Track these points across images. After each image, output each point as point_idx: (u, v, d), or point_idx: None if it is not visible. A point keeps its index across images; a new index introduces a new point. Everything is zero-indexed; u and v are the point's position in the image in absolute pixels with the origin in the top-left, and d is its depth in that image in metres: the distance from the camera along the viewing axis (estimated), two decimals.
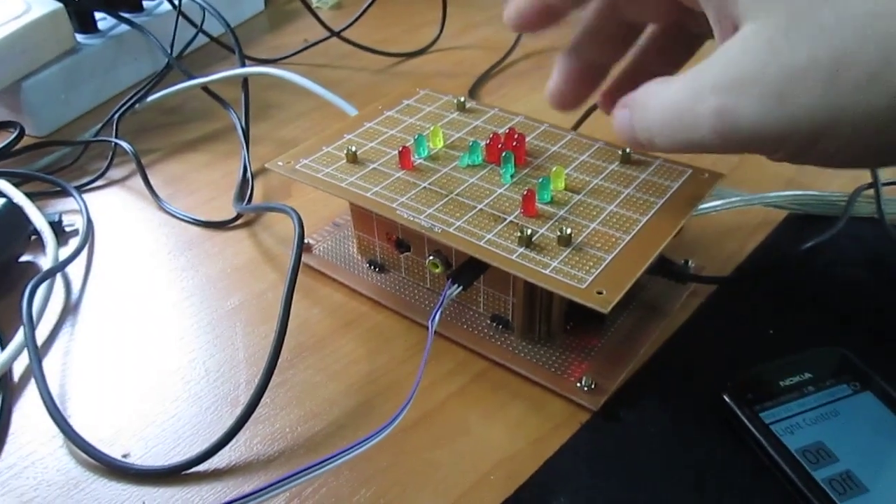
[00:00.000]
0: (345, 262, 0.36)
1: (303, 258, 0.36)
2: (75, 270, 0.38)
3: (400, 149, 0.33)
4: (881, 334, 0.31)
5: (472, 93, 0.52)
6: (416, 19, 0.65)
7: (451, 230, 0.29)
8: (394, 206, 0.31)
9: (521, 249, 0.28)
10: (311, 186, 0.33)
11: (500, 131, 0.35)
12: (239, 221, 0.40)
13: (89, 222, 0.40)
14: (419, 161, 0.34)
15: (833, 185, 0.41)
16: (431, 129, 0.34)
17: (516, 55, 0.57)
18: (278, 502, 0.26)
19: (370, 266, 0.35)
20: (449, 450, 0.28)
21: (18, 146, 0.45)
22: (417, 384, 0.26)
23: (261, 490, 0.22)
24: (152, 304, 0.35)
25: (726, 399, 0.27)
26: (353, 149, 0.34)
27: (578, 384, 0.29)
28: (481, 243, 0.28)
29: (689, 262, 0.34)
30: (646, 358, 0.31)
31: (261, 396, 0.28)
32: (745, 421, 0.26)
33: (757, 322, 0.32)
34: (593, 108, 0.42)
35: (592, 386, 0.29)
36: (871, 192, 0.37)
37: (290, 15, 0.68)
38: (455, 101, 0.38)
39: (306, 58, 0.59)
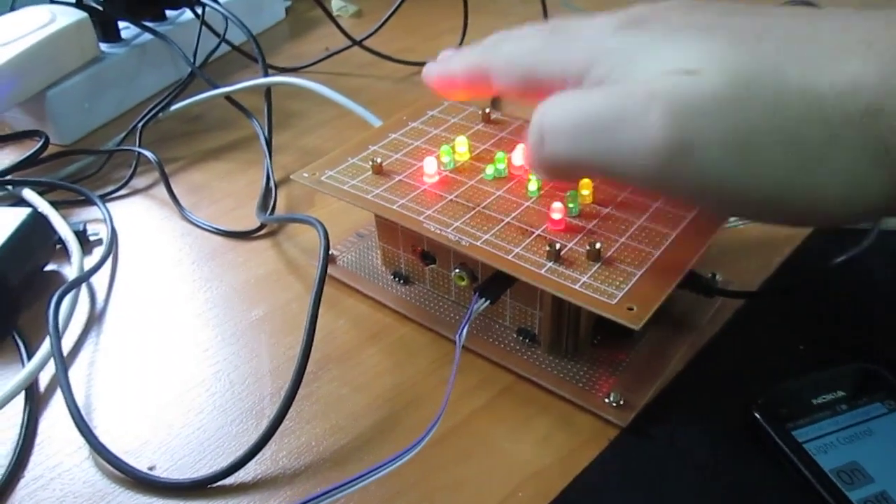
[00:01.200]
0: (369, 273, 0.36)
1: (328, 269, 0.36)
2: (100, 280, 0.38)
3: (425, 160, 0.33)
4: None
5: (495, 101, 0.52)
6: (437, 28, 0.65)
7: (478, 244, 0.29)
8: (420, 218, 0.30)
9: (550, 264, 0.28)
10: (337, 198, 0.33)
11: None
12: (262, 231, 0.40)
13: (113, 232, 0.40)
14: (445, 173, 0.33)
15: None
16: (456, 140, 0.34)
17: None
18: None
19: (395, 278, 0.35)
20: (476, 465, 0.27)
21: (43, 155, 0.45)
22: (447, 400, 0.26)
23: None
24: (177, 315, 0.35)
25: (757, 416, 0.27)
26: (379, 160, 0.34)
27: (606, 399, 0.28)
28: (509, 257, 0.28)
29: (717, 276, 0.34)
30: (674, 373, 0.30)
31: (287, 409, 0.28)
32: (778, 439, 0.26)
33: (787, 337, 0.32)
34: None
35: (621, 402, 0.28)
36: None
37: (311, 23, 0.68)
38: (480, 112, 0.38)
39: (327, 66, 0.59)
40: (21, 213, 0.37)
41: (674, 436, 0.28)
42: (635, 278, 0.27)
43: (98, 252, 0.39)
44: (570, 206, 0.30)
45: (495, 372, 0.31)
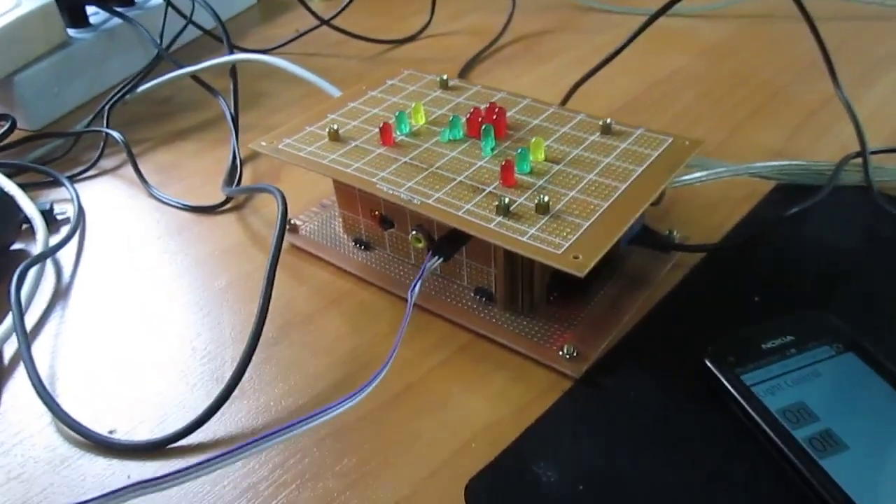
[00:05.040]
0: (331, 241, 0.36)
1: (289, 238, 0.37)
2: (66, 257, 0.38)
3: (381, 125, 0.33)
4: (868, 299, 0.31)
5: (461, 76, 0.52)
6: (407, 7, 0.65)
7: (429, 202, 0.29)
8: (374, 180, 0.31)
9: (500, 218, 0.28)
10: (294, 164, 0.33)
11: (482, 107, 0.35)
12: (228, 206, 0.40)
13: (80, 210, 0.41)
14: (401, 137, 0.34)
15: (822, 154, 0.40)
16: (413, 105, 0.35)
17: (505, 39, 0.57)
18: (262, 472, 0.26)
19: (356, 244, 0.35)
20: (431, 420, 0.28)
21: (11, 139, 0.45)
22: (394, 352, 0.26)
23: (226, 454, 0.23)
24: (141, 287, 0.36)
25: (707, 362, 0.27)
26: (336, 127, 0.34)
27: (560, 353, 0.29)
28: (460, 213, 0.28)
29: (674, 232, 0.34)
30: (629, 327, 0.31)
31: (243, 371, 0.28)
32: (726, 383, 0.26)
33: (742, 290, 0.32)
34: (579, 84, 0.42)
35: (574, 354, 0.29)
36: (859, 160, 0.37)
37: (283, 6, 0.68)
38: (438, 79, 0.38)
39: (298, 47, 0.59)
40: None
41: (627, 386, 0.28)
42: (582, 229, 0.27)
43: (66, 231, 0.40)
44: (522, 163, 0.30)
45: (454, 331, 0.31)
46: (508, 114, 0.35)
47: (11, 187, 0.40)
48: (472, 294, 0.32)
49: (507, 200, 0.28)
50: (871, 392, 0.26)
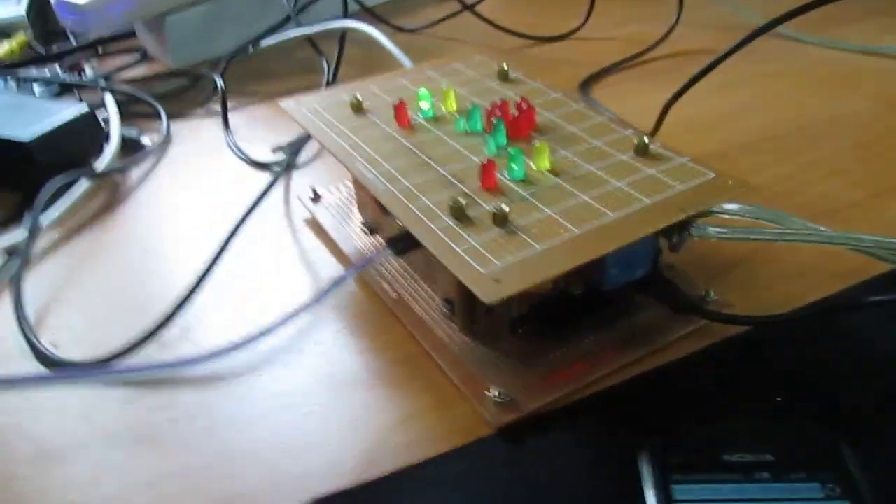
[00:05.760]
0: (343, 218, 0.34)
1: (309, 206, 0.35)
2: (130, 180, 0.40)
3: (397, 103, 0.30)
4: None
5: (585, 84, 0.47)
6: (572, 9, 0.60)
7: (393, 188, 0.26)
8: (356, 155, 0.28)
9: (449, 221, 0.24)
10: (302, 127, 0.31)
11: (515, 102, 0.31)
12: (282, 167, 0.40)
13: (163, 143, 0.43)
14: (419, 120, 0.31)
15: None
16: (444, 90, 0.31)
17: (658, 52, 0.51)
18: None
19: (363, 225, 0.33)
20: (329, 420, 0.25)
21: (147, 72, 0.49)
22: (291, 317, 0.23)
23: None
24: (170, 227, 0.36)
25: (639, 457, 0.21)
26: (360, 98, 0.32)
27: (491, 393, 0.24)
28: (412, 206, 0.25)
29: (710, 294, 0.28)
30: (600, 387, 0.25)
31: (176, 311, 0.28)
32: (645, 488, 0.20)
33: (767, 383, 0.25)
34: (669, 105, 0.36)
35: (508, 400, 0.24)
36: None
37: None
38: (498, 68, 0.34)
39: (444, 30, 0.58)
40: (77, 109, 0.40)
41: (552, 456, 0.23)
42: (531, 253, 0.22)
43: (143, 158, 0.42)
44: (513, 166, 0.26)
45: (407, 338, 0.28)
46: (550, 116, 0.30)
47: (111, 107, 0.43)
48: (441, 304, 0.28)
49: (464, 202, 0.24)
50: None
